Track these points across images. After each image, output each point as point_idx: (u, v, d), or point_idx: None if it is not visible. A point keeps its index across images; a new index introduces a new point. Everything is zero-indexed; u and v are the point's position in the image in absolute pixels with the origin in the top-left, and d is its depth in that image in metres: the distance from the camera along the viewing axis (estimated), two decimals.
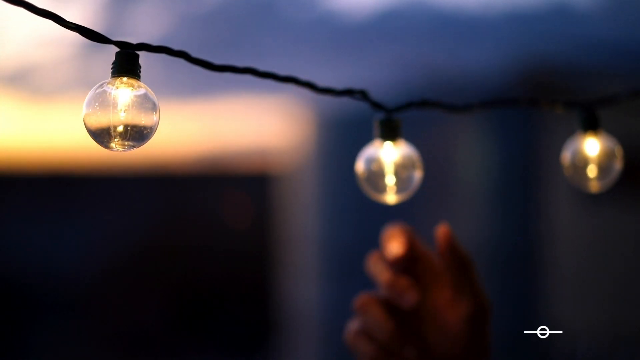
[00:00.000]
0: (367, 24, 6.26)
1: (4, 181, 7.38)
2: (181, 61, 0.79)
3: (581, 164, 0.99)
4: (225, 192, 7.42)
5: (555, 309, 4.67)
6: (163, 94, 6.45)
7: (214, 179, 7.50)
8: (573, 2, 6.02)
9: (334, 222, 5.46)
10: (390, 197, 0.92)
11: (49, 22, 0.71)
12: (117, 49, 0.74)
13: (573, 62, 4.97)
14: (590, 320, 4.54)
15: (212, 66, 0.79)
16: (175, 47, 0.80)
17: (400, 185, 0.92)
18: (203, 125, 7.07)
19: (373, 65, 5.84)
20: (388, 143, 0.92)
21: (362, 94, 0.90)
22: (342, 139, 5.31)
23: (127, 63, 0.73)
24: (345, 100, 0.94)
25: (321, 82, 0.91)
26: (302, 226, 5.74)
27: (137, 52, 0.74)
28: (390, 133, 0.91)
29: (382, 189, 0.92)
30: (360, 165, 0.93)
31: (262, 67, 0.87)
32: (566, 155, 1.00)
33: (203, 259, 7.13)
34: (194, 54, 0.81)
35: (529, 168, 4.89)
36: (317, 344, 5.44)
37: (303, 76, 0.90)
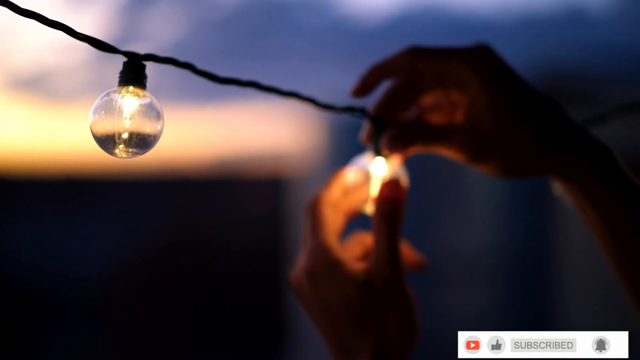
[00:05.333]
0: (382, 29, 6.27)
1: (21, 184, 7.43)
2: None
3: None
4: (239, 196, 7.44)
5: (566, 314, 4.65)
6: (178, 98, 6.50)
7: (227, 182, 7.52)
8: (588, 8, 6.01)
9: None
10: (369, 208, 0.95)
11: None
12: (125, 59, 0.75)
13: (588, 68, 4.95)
14: (601, 324, 4.53)
15: (217, 78, 0.81)
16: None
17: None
18: (216, 130, 7.10)
19: None
20: (380, 158, 0.93)
21: (362, 112, 0.92)
22: (353, 143, 5.32)
23: (133, 73, 0.74)
24: None
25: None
26: None
27: (145, 63, 0.75)
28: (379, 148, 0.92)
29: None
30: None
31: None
32: None
33: (216, 262, 7.15)
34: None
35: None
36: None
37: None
